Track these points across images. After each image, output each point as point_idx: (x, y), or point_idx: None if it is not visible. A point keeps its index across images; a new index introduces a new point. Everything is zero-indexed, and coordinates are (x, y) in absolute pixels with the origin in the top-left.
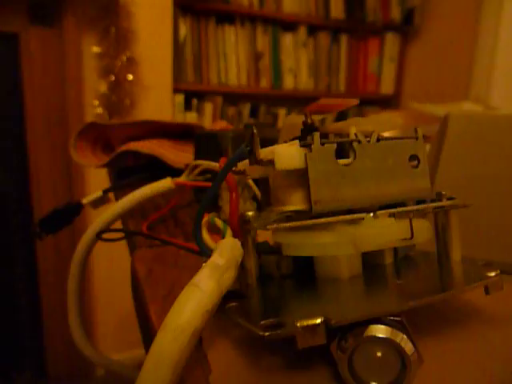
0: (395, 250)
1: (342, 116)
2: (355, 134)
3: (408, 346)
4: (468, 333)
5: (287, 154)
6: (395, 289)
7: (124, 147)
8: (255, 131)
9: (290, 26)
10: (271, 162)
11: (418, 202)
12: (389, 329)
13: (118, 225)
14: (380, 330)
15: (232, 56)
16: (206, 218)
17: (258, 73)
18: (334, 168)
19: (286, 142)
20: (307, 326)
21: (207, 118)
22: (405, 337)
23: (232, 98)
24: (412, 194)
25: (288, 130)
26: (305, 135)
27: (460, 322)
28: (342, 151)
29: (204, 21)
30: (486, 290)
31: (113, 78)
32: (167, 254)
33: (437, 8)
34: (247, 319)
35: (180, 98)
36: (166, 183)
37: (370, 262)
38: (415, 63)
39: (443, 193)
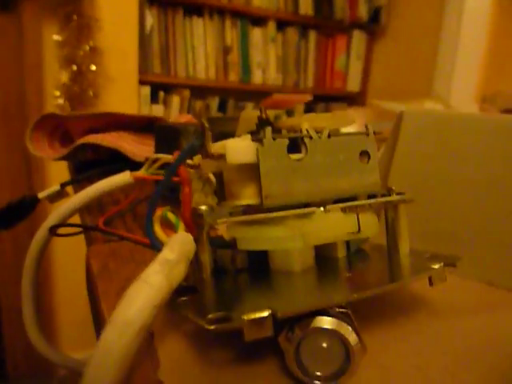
0: (347, 243)
1: (307, 111)
2: (307, 130)
3: (352, 337)
4: (414, 323)
5: (238, 149)
6: (344, 281)
7: (83, 140)
8: (206, 125)
9: (258, 20)
10: (223, 157)
11: (370, 197)
12: (334, 320)
13: (76, 220)
14: (326, 322)
15: (200, 49)
16: (159, 212)
17: (226, 67)
18: (286, 163)
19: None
20: (254, 320)
21: (174, 111)
22: (349, 328)
23: (200, 91)
24: (362, 188)
25: (244, 124)
26: (259, 130)
27: (407, 313)
28: (295, 147)
29: (171, 11)
30: (430, 282)
31: (75, 67)
32: (124, 249)
33: (402, 7)
34: (196, 313)
35: (146, 90)
36: (124, 177)
37: (324, 255)
38: (381, 61)
39: (393, 188)
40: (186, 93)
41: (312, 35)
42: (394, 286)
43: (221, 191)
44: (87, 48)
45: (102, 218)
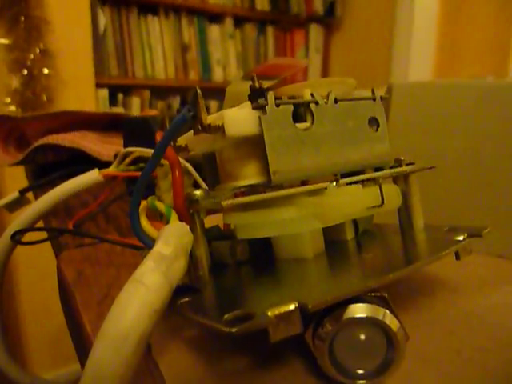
0: (355, 224)
1: None
2: (312, 95)
3: (393, 323)
4: (438, 302)
5: (239, 118)
6: (366, 263)
7: (42, 141)
8: (199, 92)
9: (215, 17)
10: (220, 129)
11: (377, 169)
12: (370, 306)
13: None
14: (361, 310)
15: (158, 48)
16: (143, 204)
17: (185, 65)
18: (293, 133)
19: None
20: (280, 315)
21: (135, 113)
22: (388, 313)
23: (160, 91)
24: (373, 159)
25: (232, 98)
26: (253, 101)
27: (429, 293)
28: (296, 115)
29: (125, 11)
30: (457, 256)
31: (26, 72)
32: (99, 253)
33: (356, 0)
34: (206, 315)
35: (104, 92)
36: (93, 176)
37: (331, 239)
38: (339, 53)
39: (402, 158)
40: (146, 93)
41: (270, 30)
42: (430, 261)
43: (213, 175)
44: (38, 51)
45: (71, 221)
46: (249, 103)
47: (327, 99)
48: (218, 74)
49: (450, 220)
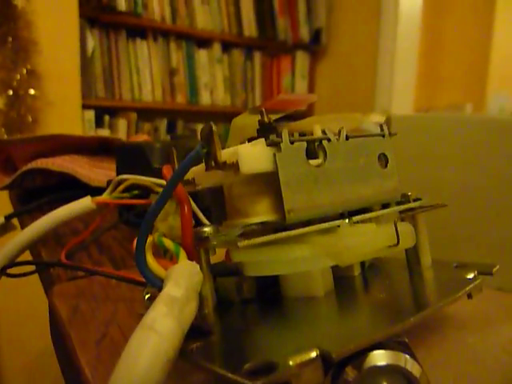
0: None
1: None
2: (324, 132)
3: (415, 368)
4: (448, 341)
5: (253, 156)
6: (380, 304)
7: (31, 165)
8: (214, 128)
9: (204, 42)
10: (234, 166)
11: (384, 206)
12: (391, 353)
13: (26, 255)
14: (382, 357)
15: (145, 71)
16: (149, 240)
17: (173, 88)
18: (306, 170)
19: (244, 142)
20: (302, 363)
21: (121, 135)
22: (409, 358)
23: (147, 114)
24: (382, 196)
25: (237, 132)
26: (263, 136)
27: (437, 331)
28: (308, 152)
29: (113, 34)
30: (469, 295)
31: (11, 92)
32: (94, 286)
33: (341, 28)
34: (222, 364)
35: (90, 114)
36: (85, 203)
37: (338, 275)
38: (325, 80)
39: (409, 193)
40: (133, 116)
41: (257, 56)
42: (447, 303)
43: (219, 209)
44: (24, 71)
45: (62, 251)
46: (262, 140)
47: (338, 135)
48: (205, 98)
49: (447, 252)
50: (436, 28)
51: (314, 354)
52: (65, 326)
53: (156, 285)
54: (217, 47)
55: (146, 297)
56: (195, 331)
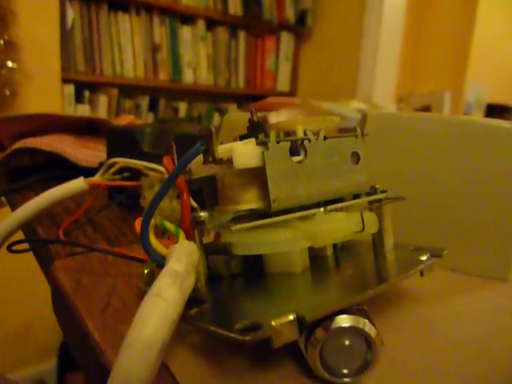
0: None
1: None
2: (305, 133)
3: (372, 330)
4: (404, 312)
5: (245, 153)
6: (347, 279)
7: (19, 144)
8: (213, 130)
9: (187, 18)
10: (228, 161)
11: (355, 196)
12: (354, 317)
13: (19, 234)
14: (346, 320)
15: (127, 46)
16: (152, 222)
17: (155, 65)
18: (289, 165)
19: (236, 139)
20: (282, 324)
21: (102, 112)
22: (367, 322)
23: (128, 90)
24: (353, 188)
25: (229, 127)
26: (252, 133)
27: (393, 302)
28: (291, 149)
29: (94, 7)
30: (421, 273)
31: None
32: (92, 262)
33: (327, 11)
34: (217, 325)
35: (70, 88)
36: (79, 184)
37: (313, 254)
38: (308, 62)
39: (377, 186)
40: (114, 92)
41: (242, 35)
42: (402, 279)
43: (211, 196)
44: (1, 42)
45: (60, 229)
46: (253, 139)
47: (317, 136)
48: (188, 76)
49: (411, 236)
50: (419, 16)
51: (291, 317)
52: (70, 297)
53: (158, 261)
54: (201, 24)
55: (146, 271)
56: (191, 301)
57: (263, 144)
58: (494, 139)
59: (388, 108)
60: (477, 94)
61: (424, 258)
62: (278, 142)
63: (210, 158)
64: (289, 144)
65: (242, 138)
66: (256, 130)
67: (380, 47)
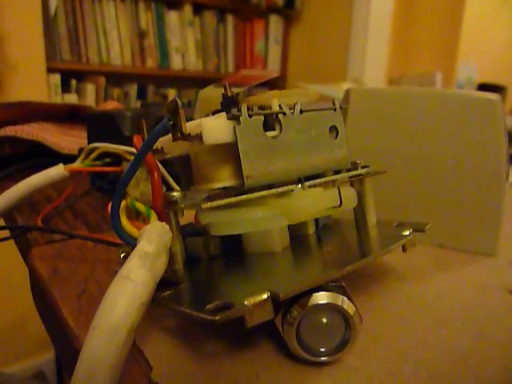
0: (316, 219)
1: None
2: (280, 106)
3: (350, 308)
4: (387, 289)
5: (215, 128)
6: (327, 256)
7: None
8: (179, 103)
9: (174, 3)
10: (198, 137)
11: (336, 172)
12: (331, 294)
13: (1, 222)
14: (323, 297)
15: (113, 33)
16: (123, 204)
17: (143, 52)
18: (263, 141)
19: (208, 115)
20: (255, 303)
21: (89, 101)
22: (345, 299)
23: (116, 78)
24: (333, 164)
25: (203, 103)
26: (226, 108)
27: (377, 279)
28: (266, 123)
29: None
30: (403, 248)
31: None
32: (71, 248)
33: None
34: (188, 306)
35: (55, 78)
36: (58, 171)
37: (295, 233)
38: (298, 45)
39: (358, 162)
40: (101, 80)
41: (229, 19)
42: (381, 254)
43: (187, 176)
44: None
45: (38, 217)
46: (223, 114)
47: (294, 109)
48: (176, 62)
49: (398, 213)
50: None
51: (265, 296)
52: (46, 284)
53: (130, 243)
54: (188, 9)
55: (122, 255)
56: (167, 283)
57: (235, 118)
58: (478, 112)
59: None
60: (468, 73)
61: (406, 232)
62: (250, 116)
63: (179, 134)
64: (262, 118)
65: (215, 113)
66: (230, 105)
67: (370, 29)
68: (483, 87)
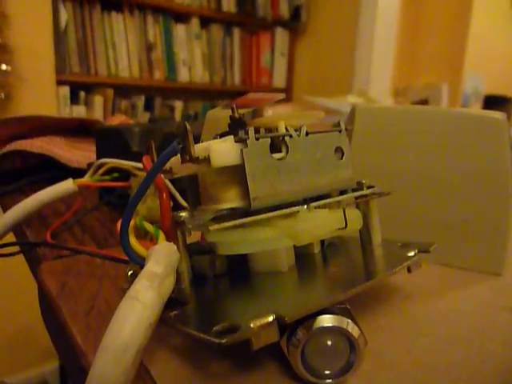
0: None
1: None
2: (286, 129)
3: (355, 331)
4: (393, 309)
5: (223, 151)
6: (333, 277)
7: (9, 147)
8: (189, 127)
9: (181, 17)
10: (206, 160)
11: (341, 192)
12: (336, 317)
13: (10, 237)
14: (328, 320)
15: (122, 46)
16: (131, 223)
17: (150, 64)
18: (270, 163)
19: (216, 137)
20: (261, 326)
21: (97, 112)
22: (350, 322)
23: (124, 90)
24: (338, 184)
25: (211, 124)
26: (233, 130)
27: (383, 300)
28: (272, 145)
29: (87, 6)
30: (409, 269)
31: None
32: (79, 264)
33: (321, 6)
34: (195, 327)
35: (65, 90)
36: (67, 185)
37: (300, 252)
38: (304, 58)
39: (363, 181)
40: (109, 92)
41: (236, 32)
42: (386, 276)
43: (195, 195)
44: None
45: (47, 231)
46: (231, 137)
47: (299, 132)
48: (183, 75)
49: (403, 230)
50: (415, 8)
51: (270, 318)
52: (55, 300)
53: (138, 263)
54: (195, 22)
55: (129, 273)
56: (174, 302)
57: (242, 141)
58: (484, 131)
59: (385, 102)
60: (475, 85)
61: (411, 253)
62: (257, 139)
63: (187, 157)
64: (269, 140)
65: (223, 135)
66: (237, 126)
67: (375, 41)
68: (490, 99)
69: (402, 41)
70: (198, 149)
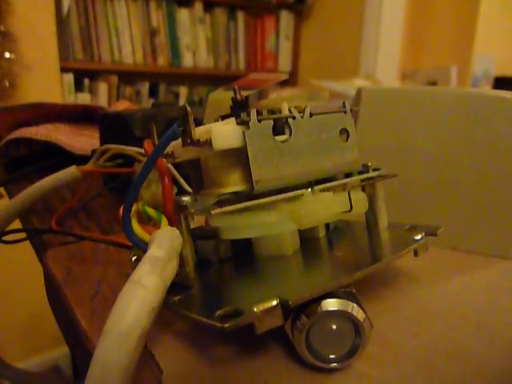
0: (327, 222)
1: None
2: (289, 110)
3: (360, 314)
4: (399, 292)
5: (225, 133)
6: (338, 261)
7: (14, 134)
8: (189, 110)
9: (184, 1)
10: (207, 143)
11: (347, 175)
12: (341, 301)
13: (16, 224)
14: (333, 304)
15: (125, 32)
16: (134, 208)
17: (154, 50)
18: (273, 145)
19: (217, 120)
20: (264, 310)
21: (102, 99)
22: (355, 305)
23: (128, 76)
24: (344, 167)
25: (213, 107)
26: (235, 112)
27: (389, 283)
28: (275, 128)
29: None
30: (415, 253)
31: None
32: (84, 250)
33: None
34: (198, 312)
35: (69, 77)
36: (70, 172)
37: (305, 237)
38: (309, 41)
39: (369, 164)
40: (114, 79)
41: (240, 16)
42: (392, 259)
43: (197, 180)
44: None
45: (53, 218)
46: (233, 119)
47: (303, 113)
48: (187, 60)
49: (410, 214)
50: None
51: (274, 303)
52: (60, 285)
53: (141, 248)
54: (198, 6)
55: (133, 258)
56: (178, 287)
57: (244, 123)
58: (494, 111)
59: (392, 84)
60: (484, 66)
61: (418, 237)
62: (259, 121)
63: (188, 140)
64: (271, 122)
65: (225, 117)
66: (240, 109)
67: (382, 22)
68: (500, 81)
69: (409, 22)
70: (199, 131)
